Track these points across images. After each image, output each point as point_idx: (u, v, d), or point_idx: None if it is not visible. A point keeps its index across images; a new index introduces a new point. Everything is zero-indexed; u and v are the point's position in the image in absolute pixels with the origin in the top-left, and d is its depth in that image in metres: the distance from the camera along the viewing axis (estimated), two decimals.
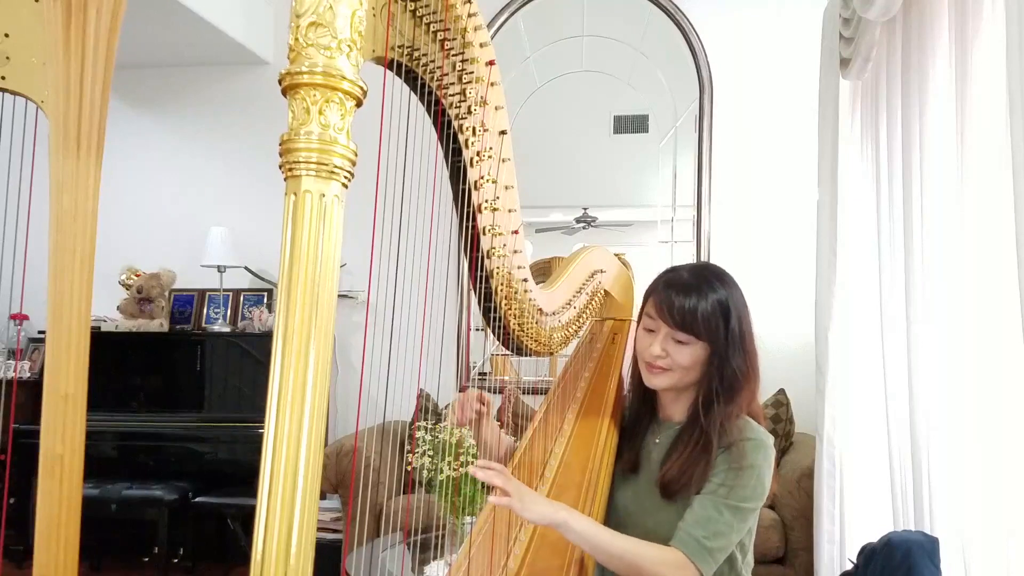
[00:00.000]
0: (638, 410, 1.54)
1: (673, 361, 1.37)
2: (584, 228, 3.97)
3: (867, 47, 2.28)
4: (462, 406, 1.52)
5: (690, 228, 3.84)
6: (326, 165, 0.76)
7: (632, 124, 3.97)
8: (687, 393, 1.42)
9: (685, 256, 3.82)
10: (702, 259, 3.76)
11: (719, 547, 1.26)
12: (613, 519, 1.42)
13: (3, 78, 1.17)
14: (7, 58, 1.17)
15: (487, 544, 1.31)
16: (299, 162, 0.75)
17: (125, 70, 3.56)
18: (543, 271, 2.03)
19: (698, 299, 1.35)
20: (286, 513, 0.73)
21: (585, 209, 3.98)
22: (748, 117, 3.81)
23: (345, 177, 0.78)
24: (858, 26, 2.27)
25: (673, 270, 1.45)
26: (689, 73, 3.84)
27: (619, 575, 1.26)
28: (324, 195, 0.76)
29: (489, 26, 3.80)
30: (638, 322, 1.46)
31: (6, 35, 1.17)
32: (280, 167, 0.77)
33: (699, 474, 1.33)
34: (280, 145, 0.76)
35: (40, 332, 3.98)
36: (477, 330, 3.79)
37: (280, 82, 0.77)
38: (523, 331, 1.47)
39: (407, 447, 3.19)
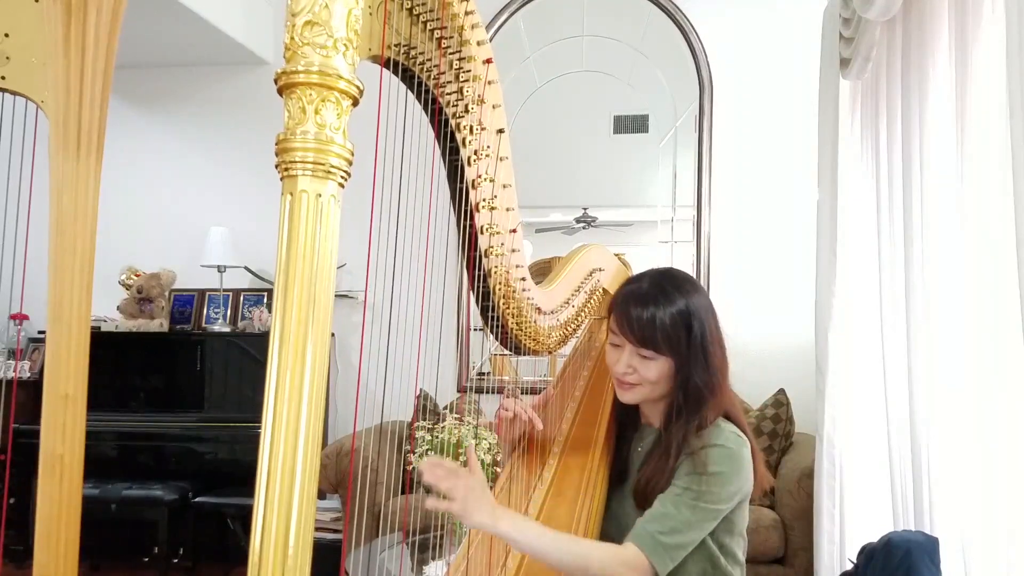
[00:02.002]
0: (622, 418, 1.53)
1: (641, 376, 1.35)
2: (584, 228, 3.96)
3: (867, 47, 2.28)
4: (513, 416, 1.49)
5: (690, 228, 3.83)
6: (322, 165, 0.76)
7: (632, 124, 3.96)
8: (664, 398, 1.40)
9: (685, 256, 3.81)
10: (702, 259, 3.76)
11: (676, 544, 1.23)
12: (611, 525, 1.40)
13: (3, 78, 1.17)
14: (7, 58, 1.17)
15: (486, 543, 1.31)
16: (295, 162, 0.75)
17: (125, 70, 3.55)
18: (543, 271, 2.02)
19: (656, 312, 1.31)
20: (283, 513, 0.73)
21: (585, 209, 3.97)
22: (748, 117, 3.81)
23: (342, 177, 0.78)
24: (858, 26, 2.27)
25: (633, 280, 1.42)
26: (689, 73, 3.84)
27: None
28: (320, 195, 0.76)
29: (489, 26, 3.80)
30: (606, 335, 1.44)
31: (6, 35, 1.17)
32: (276, 167, 0.76)
33: (665, 482, 1.31)
34: (276, 145, 0.76)
35: (40, 332, 3.98)
36: (477, 330, 3.78)
37: (276, 81, 0.77)
38: (521, 330, 1.47)
39: (406, 447, 3.18)
